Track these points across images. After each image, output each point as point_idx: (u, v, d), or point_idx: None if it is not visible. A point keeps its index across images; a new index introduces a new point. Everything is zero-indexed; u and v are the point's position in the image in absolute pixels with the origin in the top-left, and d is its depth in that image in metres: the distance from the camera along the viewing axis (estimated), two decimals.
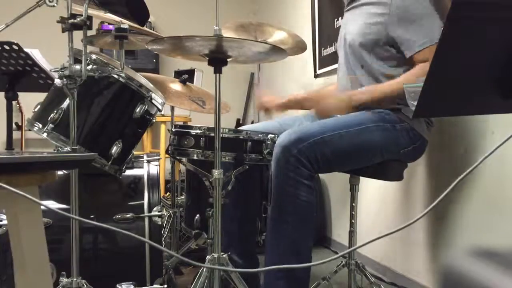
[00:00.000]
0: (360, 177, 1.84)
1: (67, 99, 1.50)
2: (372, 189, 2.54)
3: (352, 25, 1.82)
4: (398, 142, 1.72)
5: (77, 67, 1.37)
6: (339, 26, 2.13)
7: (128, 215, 1.77)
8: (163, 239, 2.19)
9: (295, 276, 1.62)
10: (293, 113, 2.13)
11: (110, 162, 1.59)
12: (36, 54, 1.99)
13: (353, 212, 1.84)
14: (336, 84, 2.13)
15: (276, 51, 1.52)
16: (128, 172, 1.81)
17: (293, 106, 2.03)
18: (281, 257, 1.59)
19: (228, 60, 1.51)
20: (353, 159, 1.70)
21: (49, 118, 1.52)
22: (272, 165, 1.61)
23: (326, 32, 3.18)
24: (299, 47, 2.53)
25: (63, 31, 1.38)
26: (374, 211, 2.55)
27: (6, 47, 1.89)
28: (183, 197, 2.32)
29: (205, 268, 1.53)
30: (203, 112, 2.24)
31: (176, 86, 2.27)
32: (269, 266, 1.60)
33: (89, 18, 1.37)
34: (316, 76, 3.34)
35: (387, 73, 1.75)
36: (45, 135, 1.53)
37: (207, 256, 1.54)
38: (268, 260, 1.63)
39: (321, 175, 3.16)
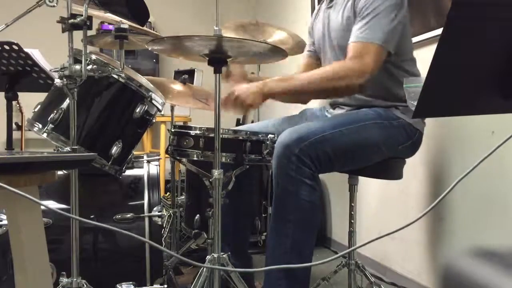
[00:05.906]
0: (360, 177, 1.84)
1: (67, 99, 1.50)
2: (372, 189, 2.54)
3: (335, 24, 1.81)
4: (396, 138, 1.73)
5: (77, 67, 1.37)
6: None
7: (128, 215, 1.77)
8: (163, 239, 2.18)
9: (296, 276, 1.62)
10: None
11: (110, 162, 1.59)
12: (36, 54, 1.99)
13: (353, 212, 1.85)
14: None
15: (276, 51, 1.52)
16: (128, 172, 1.81)
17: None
18: (282, 257, 1.58)
19: (228, 60, 1.51)
20: (354, 157, 1.70)
21: (49, 118, 1.52)
22: (273, 164, 1.61)
23: None
24: (299, 47, 2.54)
25: (63, 31, 1.38)
26: (374, 211, 2.55)
27: (6, 47, 1.89)
28: (183, 197, 2.32)
29: (205, 268, 1.53)
30: (209, 110, 2.21)
31: (178, 87, 2.28)
32: (270, 266, 1.60)
33: (89, 18, 1.37)
34: None
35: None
36: (45, 135, 1.53)
37: (207, 256, 1.54)
38: (270, 260, 1.62)
39: (320, 175, 3.15)
